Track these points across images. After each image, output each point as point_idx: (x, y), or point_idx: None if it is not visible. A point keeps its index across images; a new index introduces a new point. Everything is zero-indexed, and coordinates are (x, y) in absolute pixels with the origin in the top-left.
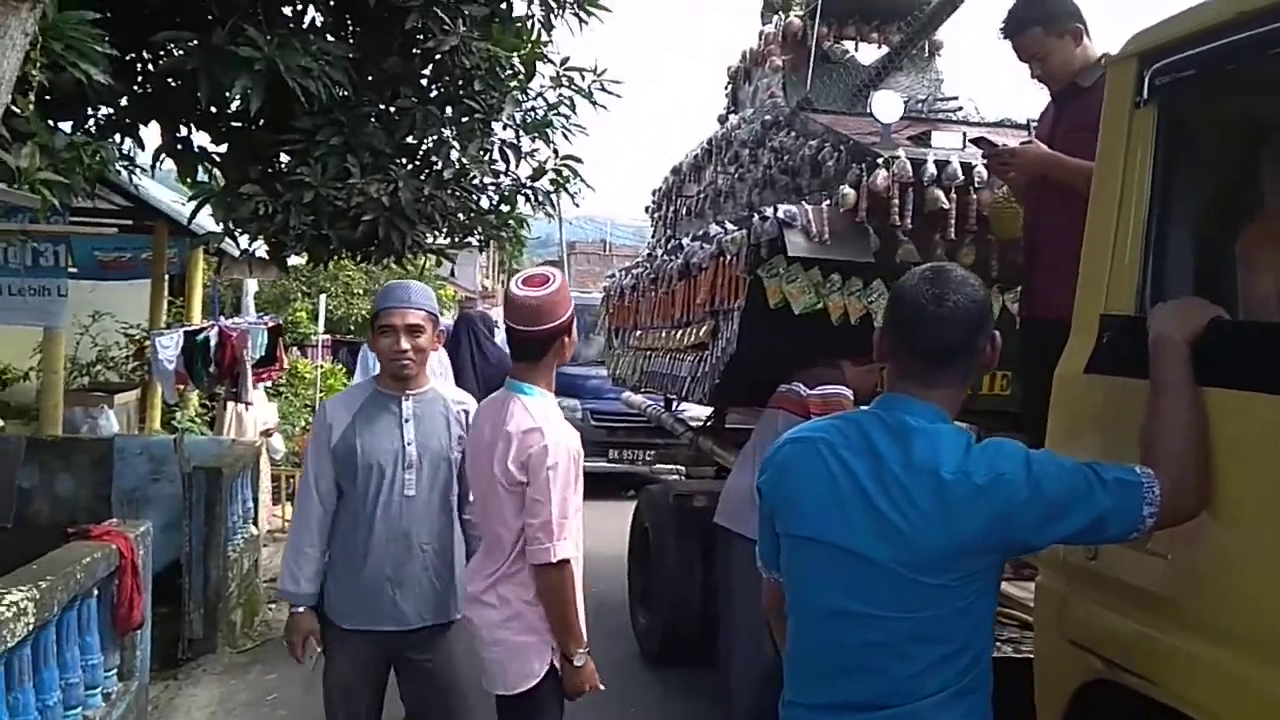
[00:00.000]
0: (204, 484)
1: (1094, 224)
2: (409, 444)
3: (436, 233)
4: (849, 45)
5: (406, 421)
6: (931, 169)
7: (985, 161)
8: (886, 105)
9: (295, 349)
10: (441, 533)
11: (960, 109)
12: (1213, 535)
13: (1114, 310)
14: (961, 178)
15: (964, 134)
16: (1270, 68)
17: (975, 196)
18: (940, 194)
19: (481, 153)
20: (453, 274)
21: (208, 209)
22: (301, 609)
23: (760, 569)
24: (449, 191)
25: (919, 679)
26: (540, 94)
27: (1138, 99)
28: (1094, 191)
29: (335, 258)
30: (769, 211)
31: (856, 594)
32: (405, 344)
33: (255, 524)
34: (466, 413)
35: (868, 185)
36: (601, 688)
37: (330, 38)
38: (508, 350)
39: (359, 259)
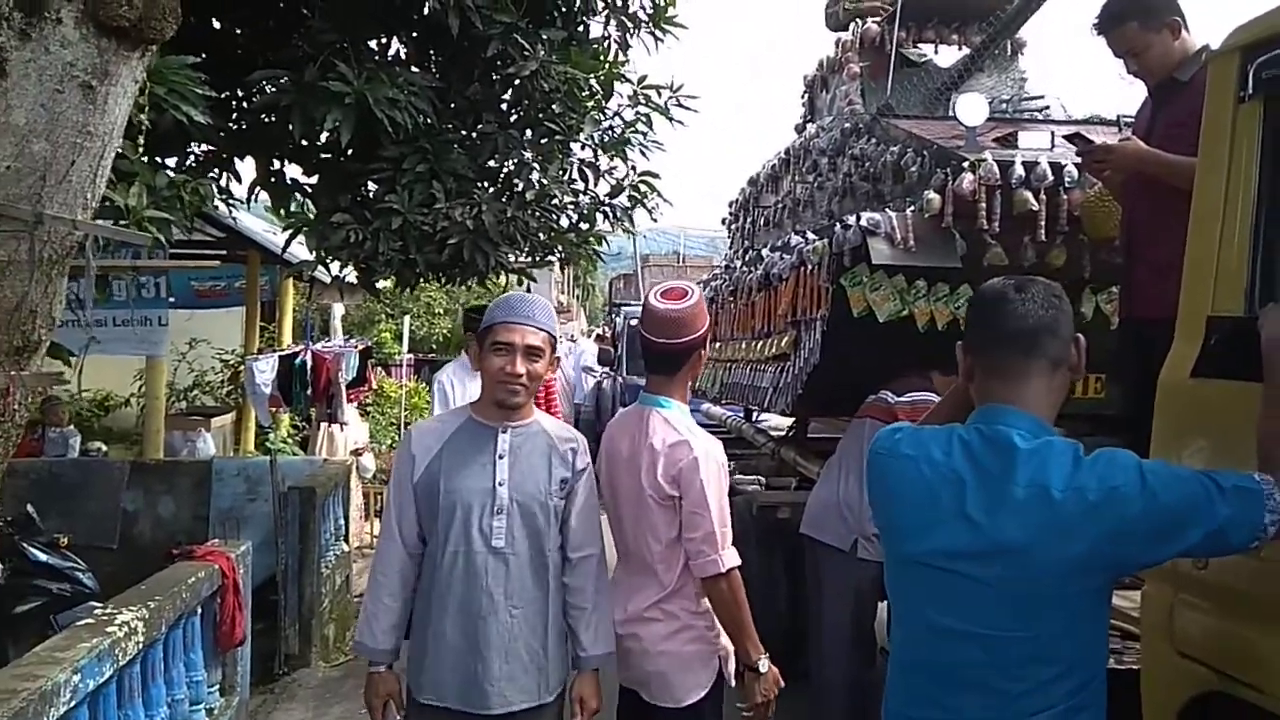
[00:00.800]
0: (298, 503)
1: (1198, 223)
2: (500, 484)
3: (519, 252)
4: (928, 49)
5: (501, 457)
6: (1019, 170)
7: (1079, 159)
8: (971, 108)
9: (380, 369)
10: (535, 595)
11: (1047, 108)
12: None
13: (1221, 311)
14: (1051, 178)
15: (1052, 133)
16: None
17: (1066, 196)
18: (1029, 195)
19: (561, 173)
20: (529, 290)
21: (301, 238)
22: (381, 667)
23: None
24: (530, 212)
25: (1028, 698)
26: (618, 112)
27: (1241, 93)
28: (1197, 189)
29: (421, 280)
30: (851, 220)
31: (965, 613)
32: (521, 367)
33: (346, 540)
34: (575, 451)
35: (953, 189)
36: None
37: (415, 68)
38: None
39: (444, 281)
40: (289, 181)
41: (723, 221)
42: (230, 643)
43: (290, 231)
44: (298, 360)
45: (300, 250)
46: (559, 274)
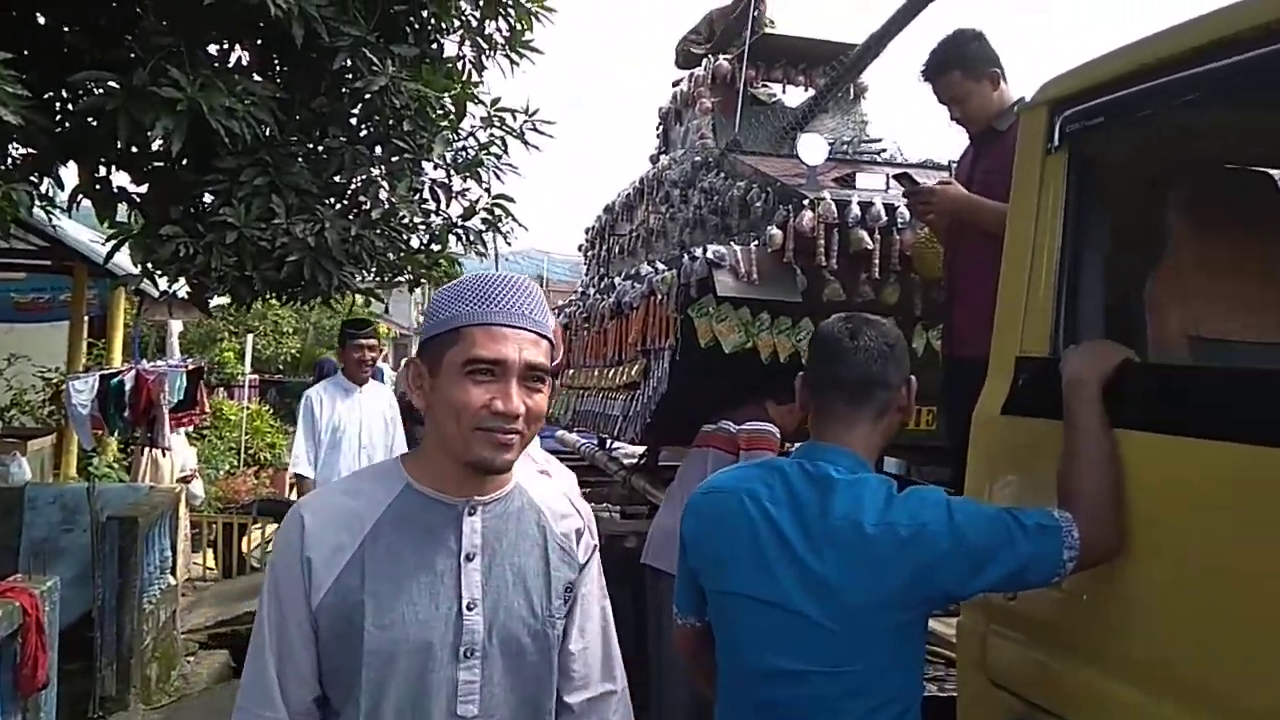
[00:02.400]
0: (118, 533)
1: (1009, 267)
2: (469, 608)
3: (365, 273)
4: (776, 88)
5: (469, 558)
6: (856, 210)
7: (906, 200)
8: (812, 148)
9: (221, 390)
10: None
11: (885, 150)
12: (1126, 575)
13: (1029, 352)
14: (885, 218)
15: (887, 175)
16: (1173, 116)
17: (898, 237)
18: (864, 234)
19: (411, 192)
20: (386, 310)
21: (127, 250)
22: None
23: (675, 614)
24: (377, 231)
25: None
26: (472, 133)
27: (1049, 145)
28: (1008, 235)
29: (259, 299)
30: (698, 252)
31: (786, 650)
32: (518, 402)
33: (173, 574)
34: (579, 533)
35: (794, 226)
36: None
37: (257, 77)
38: None
39: (284, 300)
40: (116, 190)
41: (579, 248)
42: (32, 686)
43: (114, 243)
44: (116, 380)
45: (128, 262)
46: (419, 294)
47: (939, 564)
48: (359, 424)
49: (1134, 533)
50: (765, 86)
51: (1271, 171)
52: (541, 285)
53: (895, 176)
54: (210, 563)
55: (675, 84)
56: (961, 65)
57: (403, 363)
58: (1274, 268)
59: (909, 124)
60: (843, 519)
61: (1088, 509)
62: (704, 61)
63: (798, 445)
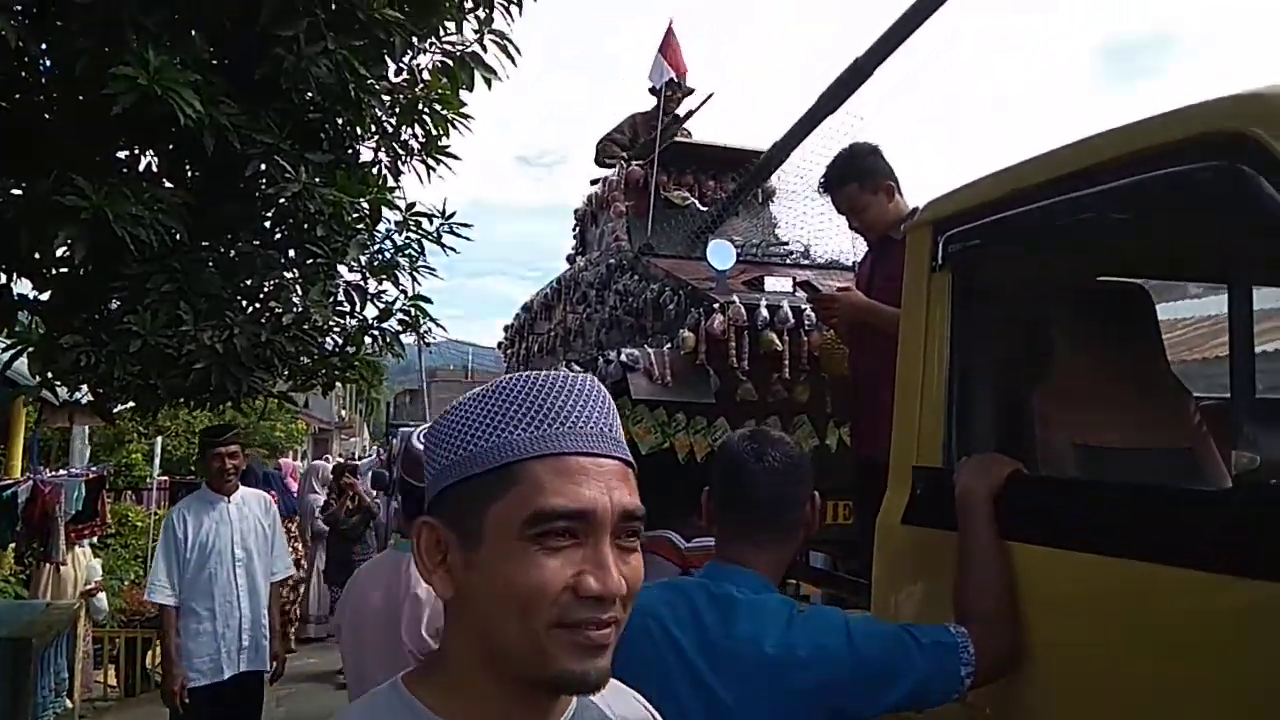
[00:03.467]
0: (10, 656)
1: (902, 379)
2: None
3: (277, 377)
4: (688, 193)
5: None
6: (764, 313)
7: (810, 306)
8: (720, 254)
9: (129, 494)
10: None
11: (793, 253)
12: (1025, 689)
13: (924, 463)
14: (793, 320)
15: (793, 279)
16: (1049, 236)
17: (806, 338)
18: (774, 336)
19: (325, 296)
20: (307, 404)
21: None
22: None
23: None
24: (289, 335)
25: None
26: (388, 236)
27: (933, 264)
28: (900, 348)
29: (165, 406)
30: (613, 355)
31: None
32: (616, 575)
33: (70, 696)
34: None
35: (706, 329)
36: None
37: (168, 183)
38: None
39: (192, 407)
40: (16, 297)
41: (499, 345)
42: None
43: (10, 354)
44: (8, 492)
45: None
46: (340, 388)
47: (839, 686)
48: (230, 538)
49: (1032, 645)
50: (678, 190)
51: (1142, 282)
52: (466, 376)
53: (799, 284)
54: (112, 680)
55: (593, 182)
56: (858, 178)
57: (415, 529)
58: (1149, 374)
59: (817, 227)
60: (744, 640)
61: (982, 623)
62: (618, 166)
63: (704, 566)
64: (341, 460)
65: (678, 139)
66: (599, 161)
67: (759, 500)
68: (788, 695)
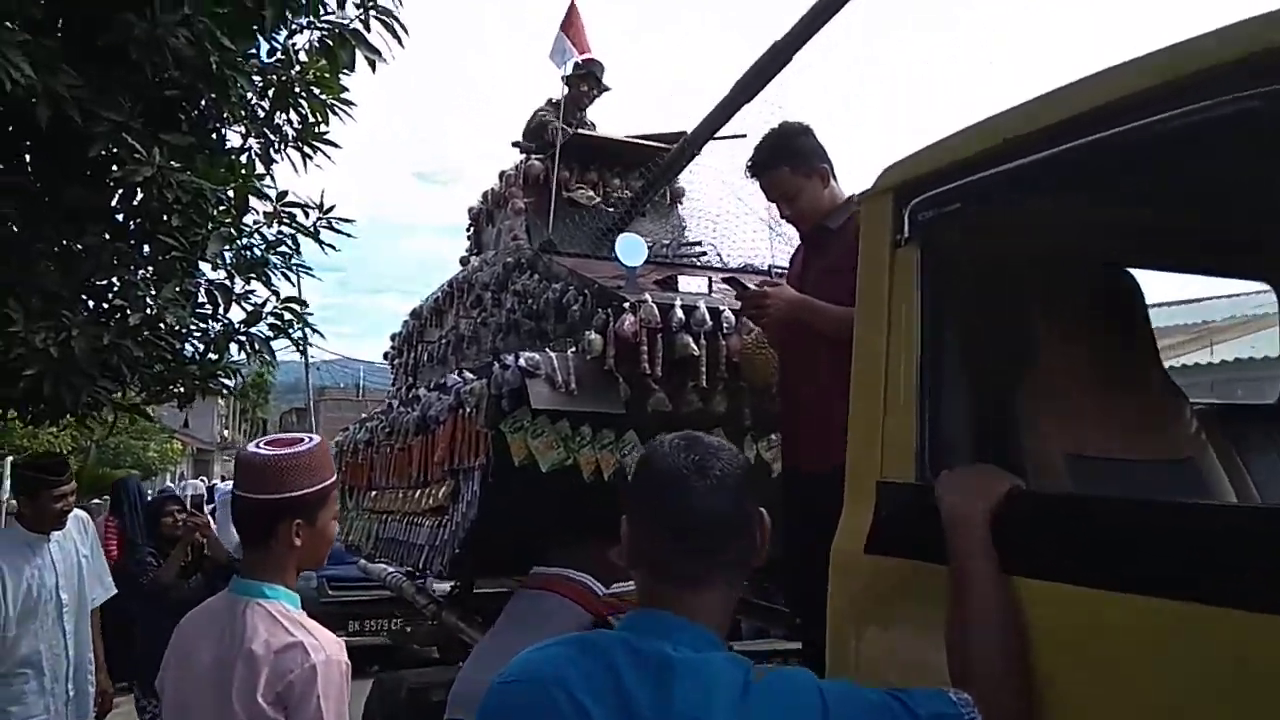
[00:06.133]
0: None
1: (860, 380)
2: None
3: (125, 387)
4: (593, 191)
5: None
6: (679, 314)
7: (738, 304)
8: (630, 248)
9: None
10: None
11: (704, 254)
12: None
13: (892, 477)
14: (710, 323)
15: (709, 278)
16: (1036, 200)
17: (724, 342)
18: (690, 340)
19: (181, 295)
20: (186, 424)
21: None
22: None
23: None
24: (137, 339)
25: None
26: (256, 230)
27: (898, 237)
28: (857, 342)
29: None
30: (510, 359)
31: None
32: None
33: None
34: None
35: (615, 330)
36: None
37: None
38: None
39: (27, 420)
40: None
41: (385, 356)
42: None
43: None
44: None
45: None
46: (223, 405)
47: None
48: (55, 584)
49: (1044, 703)
50: (582, 189)
51: (1139, 271)
52: (358, 395)
53: (724, 280)
54: None
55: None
56: (790, 160)
57: None
58: (1148, 374)
59: (729, 228)
60: (684, 716)
61: (987, 683)
62: (515, 161)
63: (626, 616)
64: (173, 486)
65: (581, 131)
66: (527, 137)
67: (702, 527)
68: None
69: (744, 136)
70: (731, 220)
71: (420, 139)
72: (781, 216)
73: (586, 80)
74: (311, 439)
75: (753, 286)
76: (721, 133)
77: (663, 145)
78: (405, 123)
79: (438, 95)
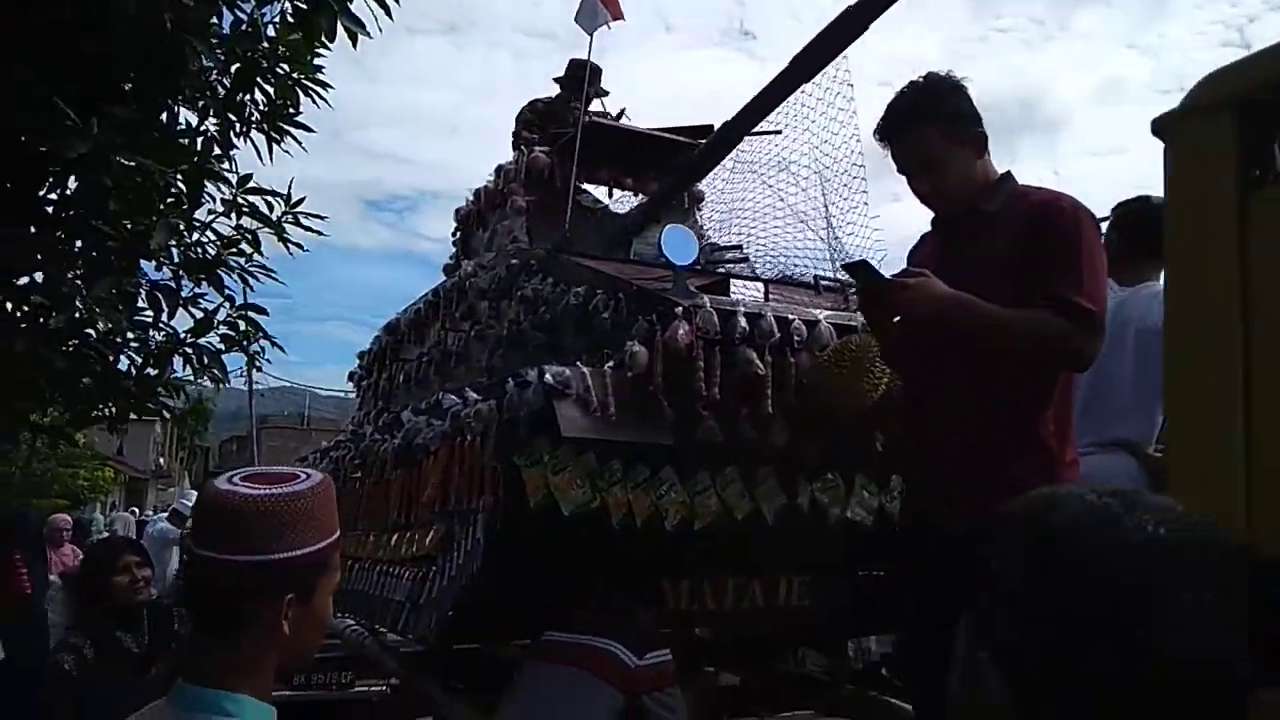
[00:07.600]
0: None
1: (1187, 388)
2: None
3: (49, 406)
4: (601, 193)
5: None
6: (743, 323)
7: (815, 313)
8: (678, 242)
9: None
10: None
11: (745, 259)
12: None
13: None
14: (778, 334)
15: (766, 284)
16: None
17: (794, 359)
18: (754, 355)
19: (119, 297)
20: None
21: None
22: None
23: None
24: (60, 348)
25: None
26: (209, 224)
27: (1256, 173)
28: (1171, 337)
29: None
30: (531, 375)
31: None
32: None
33: None
34: None
35: (664, 341)
36: None
37: None
38: None
39: None
40: None
41: (351, 377)
42: None
43: None
44: None
45: None
46: (159, 432)
47: None
48: None
49: None
50: (587, 193)
51: None
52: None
53: (845, 266)
54: None
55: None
56: (939, 120)
57: None
58: None
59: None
60: None
61: None
62: (515, 154)
63: None
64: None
65: (596, 118)
66: (520, 134)
67: None
68: None
69: (779, 132)
70: (770, 223)
71: (372, 166)
72: (915, 192)
73: (576, 82)
74: (310, 475)
75: (884, 274)
76: (759, 128)
77: (687, 140)
78: (359, 149)
79: (391, 118)
